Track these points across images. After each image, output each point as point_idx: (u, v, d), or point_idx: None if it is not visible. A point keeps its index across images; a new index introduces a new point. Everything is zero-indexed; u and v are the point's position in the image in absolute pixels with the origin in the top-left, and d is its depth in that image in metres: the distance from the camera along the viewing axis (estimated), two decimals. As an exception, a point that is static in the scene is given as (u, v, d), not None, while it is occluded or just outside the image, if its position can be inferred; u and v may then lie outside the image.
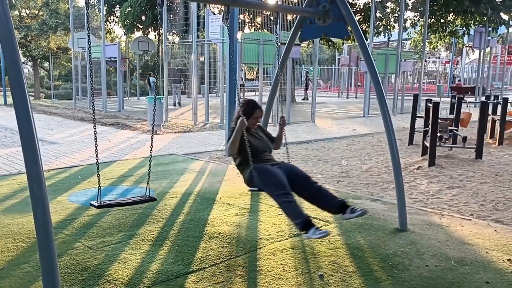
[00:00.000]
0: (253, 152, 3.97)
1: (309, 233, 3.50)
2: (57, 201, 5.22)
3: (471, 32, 21.96)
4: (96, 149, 3.65)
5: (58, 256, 3.52)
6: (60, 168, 7.07)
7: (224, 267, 3.52)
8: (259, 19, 18.71)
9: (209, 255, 3.75)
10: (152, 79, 22.12)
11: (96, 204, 3.64)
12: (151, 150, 4.11)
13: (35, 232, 2.58)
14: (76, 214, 4.76)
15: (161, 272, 3.42)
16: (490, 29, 21.18)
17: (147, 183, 3.97)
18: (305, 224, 3.55)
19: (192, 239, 4.09)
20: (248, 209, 5.03)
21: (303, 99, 24.80)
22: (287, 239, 4.13)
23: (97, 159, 3.65)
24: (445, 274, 3.45)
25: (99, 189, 3.67)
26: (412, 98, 10.39)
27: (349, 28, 4.71)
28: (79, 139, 10.25)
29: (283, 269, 3.51)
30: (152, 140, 3.86)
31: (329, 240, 4.08)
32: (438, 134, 7.74)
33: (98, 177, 3.61)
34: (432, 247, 3.98)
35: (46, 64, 34.21)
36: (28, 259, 3.62)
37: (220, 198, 5.42)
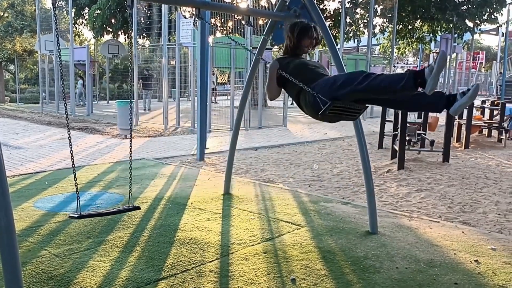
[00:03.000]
0: (302, 75, 3.56)
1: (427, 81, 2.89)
2: (22, 207, 5.05)
3: (438, 38, 22.53)
4: (72, 155, 3.41)
5: (22, 264, 3.41)
6: (25, 174, 6.86)
7: (196, 273, 3.48)
8: (230, 23, 18.70)
9: (180, 261, 3.69)
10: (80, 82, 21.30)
11: (76, 216, 3.40)
12: (130, 156, 3.95)
13: (-2, 240, 2.48)
14: (42, 221, 4.62)
15: (131, 279, 3.35)
16: (456, 35, 21.79)
17: (129, 192, 3.84)
18: (415, 79, 2.93)
19: (163, 245, 4.03)
20: (220, 213, 4.99)
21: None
22: (259, 243, 4.11)
23: (73, 166, 3.44)
24: (415, 276, 3.49)
25: (78, 199, 3.45)
26: (381, 102, 10.54)
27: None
28: (46, 144, 9.99)
29: (256, 274, 3.48)
30: (130, 145, 3.75)
31: (301, 244, 4.09)
32: (407, 138, 7.89)
33: (76, 186, 3.43)
34: (402, 249, 4.03)
35: (11, 67, 33.31)
36: (-10, 268, 3.49)
37: (192, 203, 5.36)
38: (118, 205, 4.03)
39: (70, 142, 3.46)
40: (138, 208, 3.89)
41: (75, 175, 3.46)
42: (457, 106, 3.10)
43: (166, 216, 4.85)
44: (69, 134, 3.43)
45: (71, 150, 3.45)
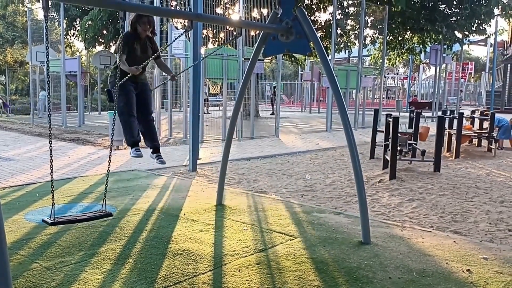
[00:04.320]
0: (132, 63, 4.65)
1: (131, 151, 4.99)
2: (12, 220, 5.01)
3: (428, 49, 22.77)
4: (51, 164, 3.57)
5: (13, 277, 3.38)
6: (16, 186, 6.80)
7: (189, 285, 3.46)
8: (222, 35, 18.78)
9: (173, 272, 3.67)
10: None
11: (50, 221, 3.49)
12: (109, 165, 4.11)
13: (-11, 253, 2.46)
14: (33, 233, 4.58)
15: (123, 292, 3.32)
16: (445, 46, 22.04)
17: (104, 198, 3.94)
18: (133, 143, 4.98)
19: (156, 256, 4.01)
20: (212, 225, 4.97)
21: (271, 114, 24.22)
22: (253, 254, 4.10)
23: (51, 174, 3.54)
24: (407, 286, 3.50)
25: (52, 205, 3.56)
26: (372, 112, 10.62)
27: (311, 44, 4.79)
28: (37, 155, 9.92)
29: (249, 285, 3.47)
30: (110, 153, 3.78)
31: (294, 255, 4.08)
32: (398, 148, 7.94)
33: (52, 192, 3.52)
34: (394, 259, 4.04)
35: (2, 78, 33.12)
36: (-20, 282, 3.44)
37: (184, 214, 5.34)
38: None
39: (51, 151, 3.58)
40: (111, 214, 4.09)
41: (52, 181, 3.52)
42: (152, 157, 5.17)
43: (159, 227, 4.83)
44: (50, 143, 3.56)
45: (51, 158, 3.71)
